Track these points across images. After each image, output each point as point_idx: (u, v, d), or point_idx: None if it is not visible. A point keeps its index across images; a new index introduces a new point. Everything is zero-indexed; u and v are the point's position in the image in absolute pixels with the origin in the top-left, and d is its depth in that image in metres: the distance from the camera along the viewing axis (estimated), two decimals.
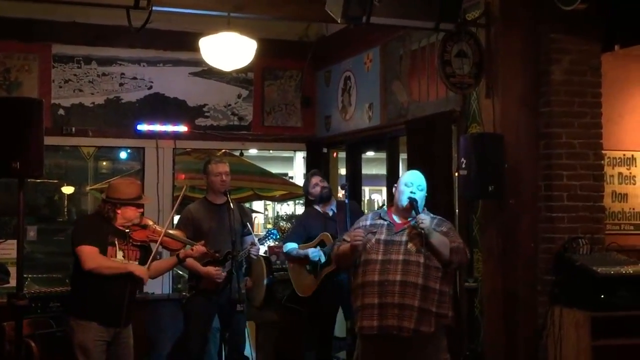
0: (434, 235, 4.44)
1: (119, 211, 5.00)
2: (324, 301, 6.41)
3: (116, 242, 4.96)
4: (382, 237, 4.57)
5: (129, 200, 5.04)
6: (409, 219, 4.58)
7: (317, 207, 6.63)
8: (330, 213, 6.51)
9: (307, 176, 6.92)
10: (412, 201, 4.53)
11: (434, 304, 4.43)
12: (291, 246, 6.53)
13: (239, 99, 8.63)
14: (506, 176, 5.25)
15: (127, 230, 5.00)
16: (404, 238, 4.52)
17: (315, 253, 6.29)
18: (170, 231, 5.33)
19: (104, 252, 4.90)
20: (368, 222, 4.72)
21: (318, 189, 6.56)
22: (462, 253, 4.54)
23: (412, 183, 4.62)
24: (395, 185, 4.76)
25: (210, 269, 5.76)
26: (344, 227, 6.01)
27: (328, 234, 6.32)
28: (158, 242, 5.03)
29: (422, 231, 4.40)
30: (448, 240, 4.49)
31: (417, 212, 4.49)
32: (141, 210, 5.15)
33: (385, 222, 4.65)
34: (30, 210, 12.00)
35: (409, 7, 5.07)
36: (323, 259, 6.27)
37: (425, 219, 4.43)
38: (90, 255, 4.84)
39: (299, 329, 7.57)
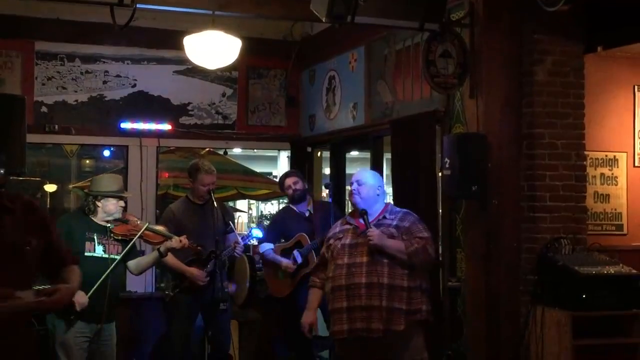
0: (387, 245, 4.47)
1: (99, 204, 5.01)
2: (301, 303, 6.41)
3: (95, 238, 4.96)
4: (347, 241, 4.61)
5: (110, 192, 5.04)
6: (360, 221, 4.60)
7: (293, 207, 6.62)
8: (307, 213, 6.50)
9: (281, 177, 6.88)
10: (363, 214, 4.56)
11: (403, 301, 4.44)
12: (267, 247, 6.51)
13: (223, 97, 8.61)
14: (489, 176, 5.26)
15: (108, 225, 5.01)
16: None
17: (289, 263, 6.28)
18: (152, 226, 5.33)
19: (81, 247, 4.89)
20: (337, 229, 4.80)
21: (290, 191, 6.54)
22: (421, 253, 4.52)
23: (352, 181, 4.67)
24: None
25: (194, 270, 5.75)
26: (320, 228, 6.04)
27: (305, 235, 6.30)
28: (138, 235, 5.03)
29: (374, 247, 4.43)
30: (403, 245, 4.49)
31: (368, 226, 4.51)
32: (122, 204, 5.15)
33: (351, 226, 4.68)
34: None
35: (393, 7, 5.07)
36: (299, 261, 6.26)
37: (374, 233, 4.44)
38: None
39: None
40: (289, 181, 6.57)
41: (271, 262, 6.46)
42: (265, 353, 7.40)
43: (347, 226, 4.72)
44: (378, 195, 4.72)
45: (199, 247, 5.49)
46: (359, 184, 4.67)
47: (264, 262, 6.65)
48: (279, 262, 6.34)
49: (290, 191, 6.54)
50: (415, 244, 4.52)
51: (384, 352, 4.49)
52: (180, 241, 5.21)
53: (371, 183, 4.70)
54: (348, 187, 6.94)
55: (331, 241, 4.73)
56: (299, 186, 6.53)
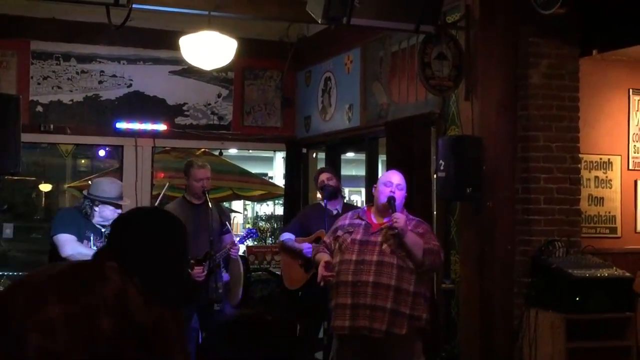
0: (408, 235, 4.46)
1: (96, 209, 5.00)
2: (312, 296, 6.40)
3: (91, 237, 4.95)
4: (358, 237, 4.59)
5: (108, 199, 5.03)
6: (386, 219, 4.60)
7: (322, 203, 6.59)
8: (335, 212, 6.45)
9: (316, 172, 6.86)
10: (390, 199, 4.56)
11: (408, 305, 4.45)
12: (288, 236, 6.50)
13: (218, 98, 8.61)
14: (484, 179, 5.27)
15: (103, 230, 5.00)
16: (380, 239, 4.54)
17: (309, 249, 6.26)
18: None
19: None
20: (347, 222, 4.76)
21: (322, 185, 6.52)
22: (435, 255, 4.54)
23: (392, 182, 4.65)
24: (375, 185, 4.79)
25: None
26: None
27: (324, 232, 6.30)
28: None
29: (396, 230, 4.43)
30: (422, 241, 4.51)
31: (394, 210, 4.51)
32: (119, 211, 5.14)
33: (363, 222, 4.67)
34: (7, 207, 11.93)
35: (389, 9, 5.08)
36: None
37: (400, 217, 4.45)
38: (68, 242, 4.83)
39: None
40: (323, 176, 6.52)
41: (290, 249, 6.43)
42: None
43: (359, 221, 4.70)
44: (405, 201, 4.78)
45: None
46: (399, 189, 4.66)
47: (283, 250, 6.62)
48: (298, 248, 6.31)
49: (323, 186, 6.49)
50: (430, 244, 4.55)
51: (384, 353, 4.49)
52: None
53: (404, 191, 4.72)
54: (342, 188, 6.96)
55: (339, 232, 4.71)
56: (333, 182, 6.49)
